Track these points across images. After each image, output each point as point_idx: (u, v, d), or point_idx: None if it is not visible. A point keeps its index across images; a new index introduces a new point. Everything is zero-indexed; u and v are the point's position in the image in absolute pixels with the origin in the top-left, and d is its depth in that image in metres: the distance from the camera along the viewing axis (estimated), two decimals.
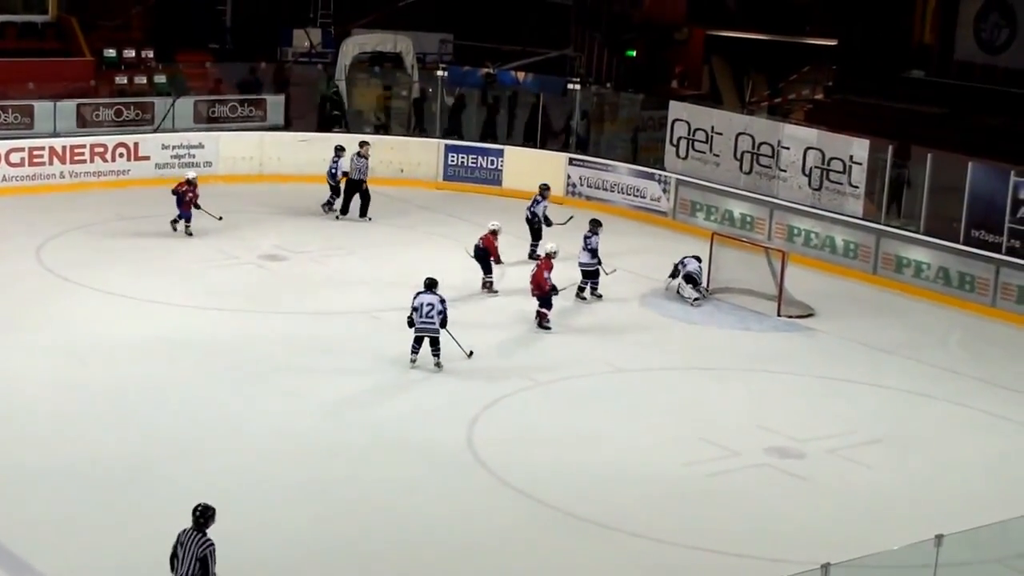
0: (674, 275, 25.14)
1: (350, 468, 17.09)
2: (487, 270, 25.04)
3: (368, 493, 16.43)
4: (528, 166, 33.10)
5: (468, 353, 21.00)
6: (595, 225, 25.05)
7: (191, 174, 27.99)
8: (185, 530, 12.62)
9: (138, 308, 22.89)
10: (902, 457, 18.58)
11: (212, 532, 12.55)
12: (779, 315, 24.51)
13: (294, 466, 16.99)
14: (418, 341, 20.52)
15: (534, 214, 27.59)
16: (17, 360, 20.16)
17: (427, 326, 20.39)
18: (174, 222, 27.42)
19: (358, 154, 29.56)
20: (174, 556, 12.63)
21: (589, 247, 24.78)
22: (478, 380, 20.38)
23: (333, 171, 29.75)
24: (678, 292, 24.95)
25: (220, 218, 27.83)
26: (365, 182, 29.44)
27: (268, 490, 16.26)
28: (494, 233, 24.93)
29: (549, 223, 27.15)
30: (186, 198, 27.31)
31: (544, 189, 27.84)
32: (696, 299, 24.74)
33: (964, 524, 13.84)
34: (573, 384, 20.61)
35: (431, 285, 20.55)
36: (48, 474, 16.36)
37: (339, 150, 30.00)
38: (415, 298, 20.45)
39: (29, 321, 21.97)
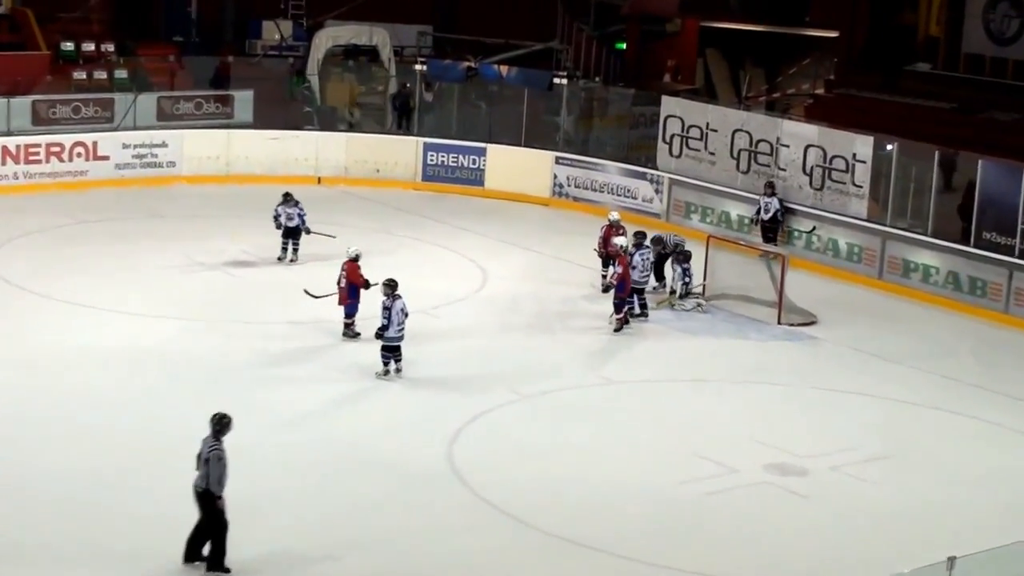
0: (671, 282, 25.18)
1: (322, 486, 17.00)
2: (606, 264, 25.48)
3: (341, 512, 16.32)
4: (512, 165, 33.11)
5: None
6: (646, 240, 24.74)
7: (352, 250, 22.45)
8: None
9: (97, 318, 22.78)
10: (910, 473, 18.52)
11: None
12: (779, 323, 24.47)
13: (262, 484, 16.84)
14: (391, 351, 20.56)
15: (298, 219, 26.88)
16: None
17: (402, 332, 20.47)
18: (347, 326, 22.29)
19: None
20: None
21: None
22: (458, 393, 20.30)
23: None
24: (680, 300, 25.00)
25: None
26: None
27: (234, 510, 16.09)
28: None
29: (308, 231, 26.66)
30: (340, 283, 22.18)
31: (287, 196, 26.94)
32: (699, 306, 24.85)
33: (975, 544, 13.79)
34: (560, 397, 20.52)
35: (395, 286, 20.56)
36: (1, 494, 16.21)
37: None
38: (391, 305, 20.39)
39: None
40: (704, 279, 25.41)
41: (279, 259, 26.41)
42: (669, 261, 25.68)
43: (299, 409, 19.39)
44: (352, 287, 22.07)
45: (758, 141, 29.97)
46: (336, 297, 22.28)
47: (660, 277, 25.86)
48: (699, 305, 25.00)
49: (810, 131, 29.55)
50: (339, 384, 20.48)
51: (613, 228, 25.72)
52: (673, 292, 25.10)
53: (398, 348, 20.56)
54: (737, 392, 21.31)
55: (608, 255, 25.33)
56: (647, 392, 21.22)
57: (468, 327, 23.47)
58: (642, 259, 24.15)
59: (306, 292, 22.97)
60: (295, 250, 26.47)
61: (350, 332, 22.15)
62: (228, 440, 16.81)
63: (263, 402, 19.51)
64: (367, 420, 19.38)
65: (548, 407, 20.18)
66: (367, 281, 21.89)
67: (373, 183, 33.22)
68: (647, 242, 24.82)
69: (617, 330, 23.47)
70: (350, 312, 22.23)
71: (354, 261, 22.28)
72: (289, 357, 21.49)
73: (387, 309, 20.36)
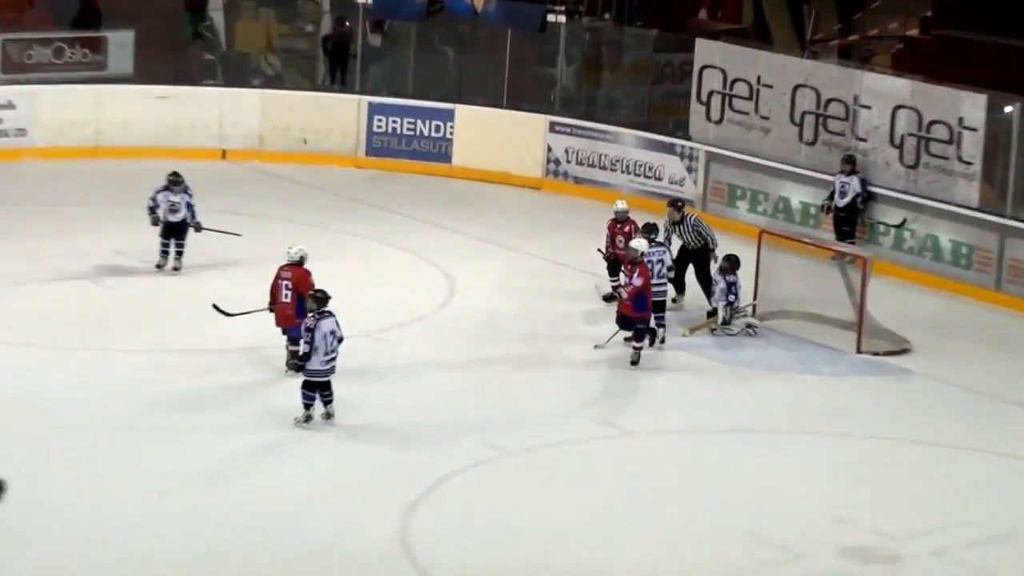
0: (712, 302, 25.18)
1: (218, 574, 16.89)
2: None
3: None
4: (490, 134, 33.13)
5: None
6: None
7: (296, 250, 22.28)
8: None
9: None
10: None
11: None
12: (859, 351, 24.49)
13: (147, 572, 16.71)
14: (315, 389, 20.44)
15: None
16: None
17: (332, 364, 20.35)
18: (293, 355, 21.66)
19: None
20: None
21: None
22: (415, 448, 20.19)
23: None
24: (723, 325, 25.03)
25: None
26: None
27: None
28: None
29: (198, 227, 26.34)
30: (284, 296, 22.00)
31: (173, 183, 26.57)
32: (749, 328, 24.96)
33: None
34: (556, 455, 20.41)
35: (325, 301, 20.39)
36: None
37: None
38: (315, 326, 20.21)
39: None
40: (755, 292, 25.33)
41: (158, 266, 26.29)
42: (692, 266, 25.66)
43: (189, 470, 19.18)
44: (301, 301, 21.64)
45: (828, 101, 29.96)
46: (270, 315, 22.13)
47: (680, 286, 25.84)
48: (748, 327, 24.94)
49: (900, 87, 29.49)
50: (247, 435, 20.32)
51: (619, 223, 25.69)
52: (713, 313, 24.95)
53: (327, 385, 20.42)
54: (801, 447, 21.26)
55: (617, 259, 25.17)
56: (677, 448, 21.12)
57: (428, 357, 23.43)
58: (650, 261, 23.95)
59: (215, 308, 22.80)
60: (179, 254, 26.27)
61: (297, 362, 21.56)
62: (88, 508, 16.68)
63: (141, 459, 19.37)
64: (285, 485, 19.12)
65: (539, 468, 20.05)
66: None
67: (299, 158, 33.27)
68: (658, 234, 24.78)
69: (635, 362, 23.33)
70: (297, 335, 21.57)
71: (300, 265, 22.07)
72: (179, 398, 21.40)
73: (309, 331, 20.22)
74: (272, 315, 22.00)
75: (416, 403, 21.43)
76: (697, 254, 25.67)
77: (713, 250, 25.56)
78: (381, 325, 23.76)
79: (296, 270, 21.93)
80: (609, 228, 25.74)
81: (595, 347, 23.71)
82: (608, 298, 25.20)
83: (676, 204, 26.15)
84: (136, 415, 20.70)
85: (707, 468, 20.45)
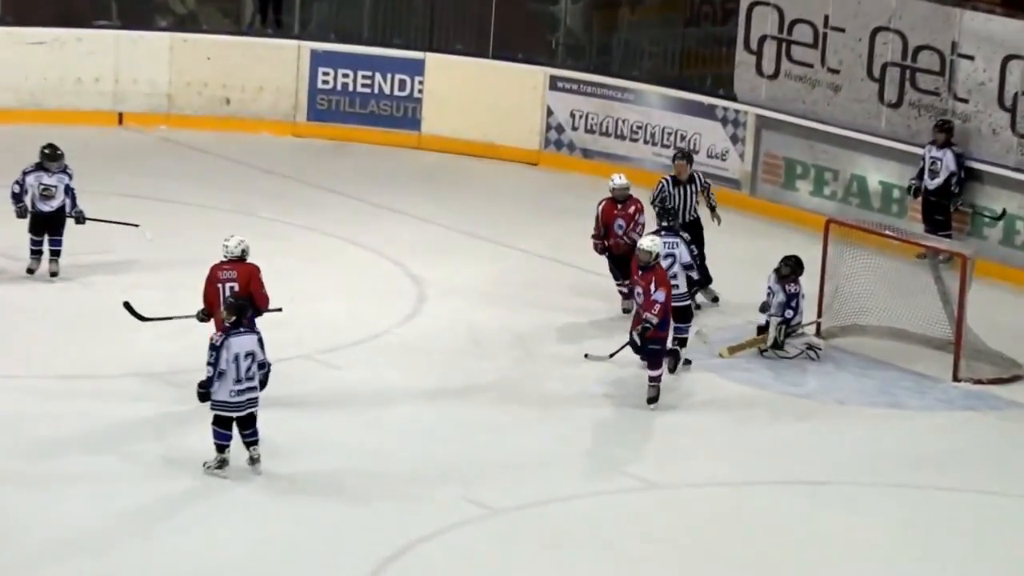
0: (766, 315, 25.14)
1: None
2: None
3: None
4: (471, 93, 33.31)
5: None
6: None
7: (236, 242, 22.39)
8: None
9: None
10: None
11: None
12: (956, 379, 24.60)
13: None
14: (229, 425, 20.40)
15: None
16: None
17: (250, 395, 20.33)
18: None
19: None
20: None
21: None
22: (374, 505, 20.23)
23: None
24: (775, 348, 25.10)
25: None
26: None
27: None
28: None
29: (81, 218, 26.35)
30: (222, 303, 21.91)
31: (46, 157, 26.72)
32: (810, 349, 25.03)
33: None
34: (558, 513, 20.44)
35: (241, 312, 20.46)
36: None
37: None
38: (222, 343, 20.17)
39: None
40: (820, 305, 25.48)
41: (29, 271, 26.35)
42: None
43: (70, 531, 19.10)
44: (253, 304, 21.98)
45: (918, 49, 30.10)
46: (199, 326, 22.29)
47: (706, 279, 25.94)
48: (810, 348, 25.00)
49: (1012, 30, 29.63)
50: (146, 486, 20.30)
51: (618, 204, 25.86)
52: (764, 328, 25.00)
53: (248, 422, 20.40)
54: (882, 505, 21.24)
55: (611, 251, 25.55)
56: (719, 505, 21.15)
57: (389, 385, 23.53)
58: (667, 256, 23.98)
59: (127, 308, 22.97)
60: (55, 253, 26.31)
61: (200, 389, 21.78)
62: None
63: (9, 517, 19.28)
64: (195, 554, 19.02)
65: (536, 531, 20.04)
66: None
67: (220, 124, 33.43)
68: (673, 219, 24.87)
69: (652, 400, 23.35)
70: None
71: (243, 260, 22.25)
72: (59, 437, 21.37)
73: (215, 349, 20.18)
74: (202, 325, 22.09)
75: (373, 445, 21.47)
76: (691, 229, 25.70)
77: (713, 208, 26.03)
78: (328, 343, 23.99)
79: (241, 266, 22.10)
80: (604, 211, 25.82)
81: (586, 356, 23.90)
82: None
83: (690, 156, 26.33)
84: (4, 460, 20.70)
85: (759, 532, 20.41)
